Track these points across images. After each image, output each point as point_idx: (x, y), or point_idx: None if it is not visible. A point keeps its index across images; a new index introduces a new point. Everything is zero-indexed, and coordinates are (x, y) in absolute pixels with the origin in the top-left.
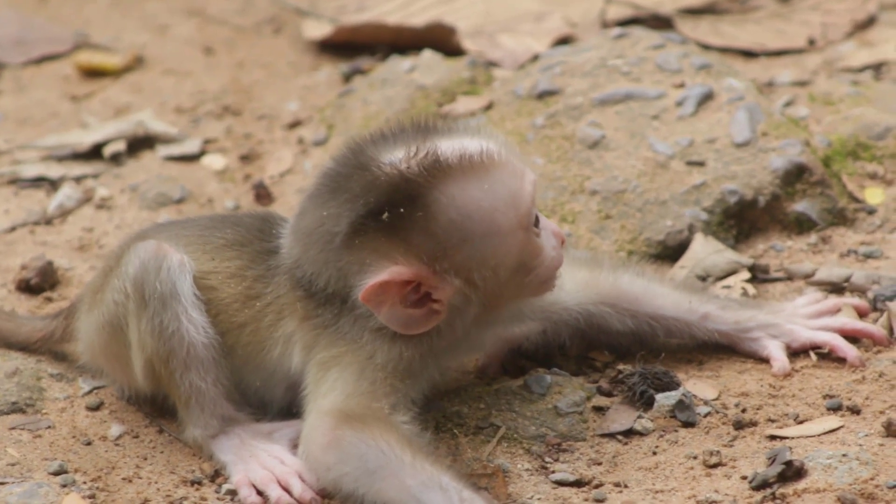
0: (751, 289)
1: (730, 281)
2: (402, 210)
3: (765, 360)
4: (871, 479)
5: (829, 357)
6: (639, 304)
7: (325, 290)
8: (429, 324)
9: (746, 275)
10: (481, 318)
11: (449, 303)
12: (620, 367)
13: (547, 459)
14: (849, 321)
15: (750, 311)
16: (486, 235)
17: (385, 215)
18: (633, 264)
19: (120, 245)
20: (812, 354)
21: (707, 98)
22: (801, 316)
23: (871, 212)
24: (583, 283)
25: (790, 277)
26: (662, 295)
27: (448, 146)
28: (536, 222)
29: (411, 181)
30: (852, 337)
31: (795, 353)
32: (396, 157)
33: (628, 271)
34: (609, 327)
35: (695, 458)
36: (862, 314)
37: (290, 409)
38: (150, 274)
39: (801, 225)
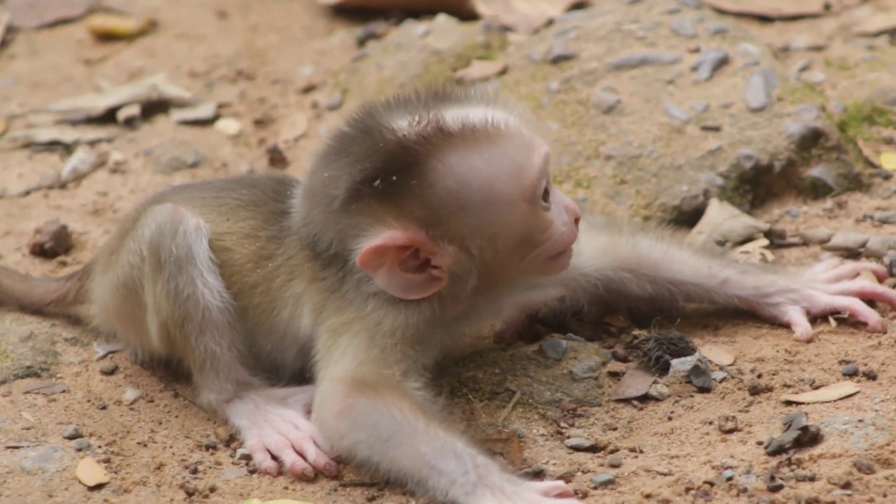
0: (769, 255)
1: (748, 247)
2: (394, 178)
3: (782, 326)
4: (888, 444)
5: (845, 322)
6: (658, 270)
7: (328, 250)
8: (429, 289)
9: (765, 241)
10: (488, 290)
11: (450, 270)
12: (636, 332)
13: (562, 425)
14: (868, 284)
15: (770, 277)
16: (484, 204)
17: (377, 182)
18: (652, 229)
19: (136, 207)
20: (831, 320)
21: (722, 63)
22: (820, 281)
23: (887, 177)
24: (602, 248)
25: (806, 243)
26: (681, 260)
27: (453, 115)
28: (546, 196)
29: (408, 149)
30: (870, 302)
31: (814, 318)
32: (399, 125)
33: (647, 236)
34: (628, 292)
35: (710, 423)
36: (880, 279)
37: (301, 373)
38: (167, 237)
39: (817, 190)
